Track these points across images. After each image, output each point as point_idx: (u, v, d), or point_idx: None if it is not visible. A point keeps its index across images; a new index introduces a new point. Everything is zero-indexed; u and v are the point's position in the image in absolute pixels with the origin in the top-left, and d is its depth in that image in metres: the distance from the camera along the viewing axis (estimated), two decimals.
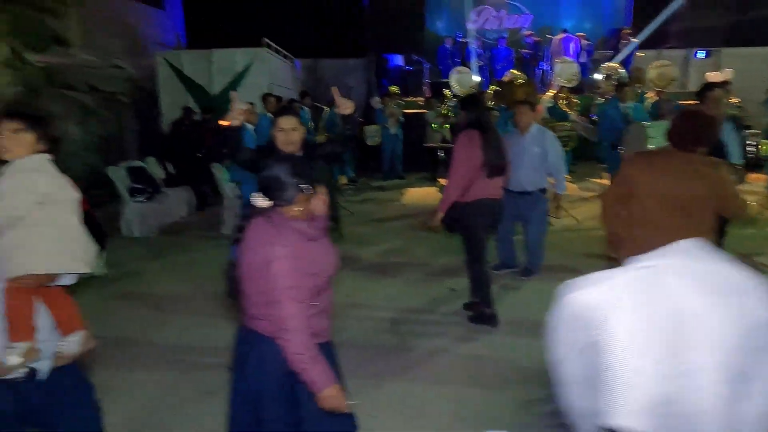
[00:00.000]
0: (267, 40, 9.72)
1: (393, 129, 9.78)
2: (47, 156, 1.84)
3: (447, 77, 11.59)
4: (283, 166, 1.79)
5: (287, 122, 2.79)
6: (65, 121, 5.83)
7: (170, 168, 7.67)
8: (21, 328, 1.71)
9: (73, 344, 1.87)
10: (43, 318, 1.79)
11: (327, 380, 1.74)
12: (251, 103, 6.41)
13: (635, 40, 11.49)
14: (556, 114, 7.84)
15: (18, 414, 1.77)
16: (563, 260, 5.10)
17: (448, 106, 9.16)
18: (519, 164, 4.32)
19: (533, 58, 12.47)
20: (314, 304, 1.82)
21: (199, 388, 3.11)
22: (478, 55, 12.69)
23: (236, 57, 9.30)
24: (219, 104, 9.19)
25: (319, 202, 1.86)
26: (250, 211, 1.82)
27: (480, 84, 11.36)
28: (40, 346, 1.74)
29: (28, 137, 1.79)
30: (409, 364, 3.34)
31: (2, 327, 1.69)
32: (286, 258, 1.71)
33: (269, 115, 6.86)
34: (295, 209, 1.79)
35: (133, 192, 6.36)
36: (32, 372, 1.76)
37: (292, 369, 1.74)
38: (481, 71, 12.36)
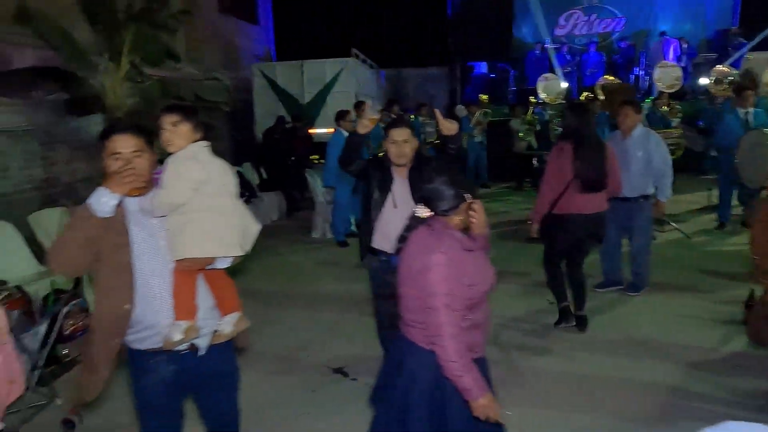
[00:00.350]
0: (355, 50, 9.96)
1: (478, 137, 9.65)
2: (203, 143, 1.92)
3: (533, 84, 11.31)
4: (443, 177, 1.85)
5: (400, 134, 2.74)
6: None
7: (263, 173, 8.03)
8: (184, 308, 1.83)
9: (229, 324, 1.97)
10: (204, 298, 1.89)
11: (481, 388, 1.74)
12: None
13: (744, 41, 10.62)
14: (655, 121, 7.38)
15: (178, 384, 1.92)
16: (672, 276, 4.76)
17: (534, 113, 8.92)
18: (621, 169, 4.10)
19: (627, 63, 11.87)
20: (468, 317, 1.81)
21: (303, 386, 3.19)
22: (566, 62, 12.28)
23: (326, 67, 9.60)
24: (309, 113, 9.55)
25: (480, 216, 1.88)
26: (412, 222, 1.93)
27: (568, 91, 10.99)
28: (200, 324, 1.85)
29: (186, 128, 1.88)
30: (513, 383, 3.16)
31: (169, 305, 1.82)
32: (444, 265, 1.74)
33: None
34: (455, 219, 1.84)
35: None
36: (193, 347, 1.89)
37: (445, 378, 1.76)
38: (568, 78, 11.95)
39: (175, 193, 1.80)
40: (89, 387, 1.91)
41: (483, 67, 12.83)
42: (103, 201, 1.72)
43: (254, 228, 2.01)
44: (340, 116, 6.41)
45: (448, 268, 1.74)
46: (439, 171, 1.87)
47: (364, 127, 2.73)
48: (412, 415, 1.81)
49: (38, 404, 2.84)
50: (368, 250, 2.93)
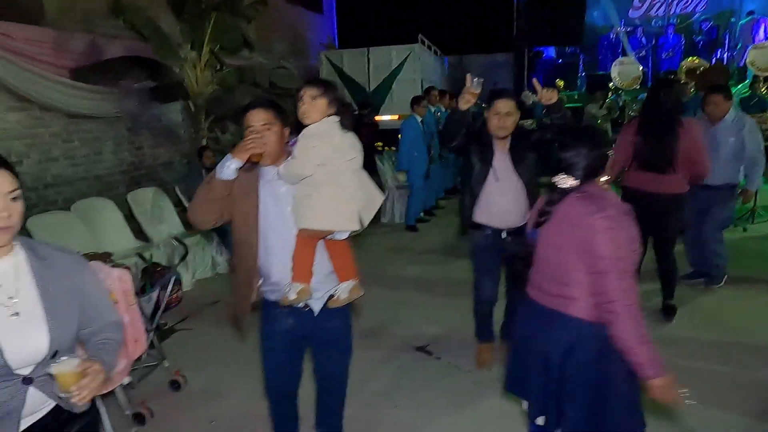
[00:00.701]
0: (422, 36, 9.90)
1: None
2: (335, 118, 1.97)
3: (605, 70, 10.87)
4: (580, 140, 1.78)
5: (505, 105, 2.69)
6: None
7: None
8: (300, 272, 1.96)
9: (344, 291, 2.05)
10: (322, 264, 2.01)
11: (658, 366, 1.61)
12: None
13: None
14: (752, 105, 6.91)
15: (295, 337, 2.10)
16: (764, 272, 4.48)
17: (611, 99, 8.56)
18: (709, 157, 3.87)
19: (709, 45, 11.16)
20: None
21: (390, 362, 3.26)
22: (641, 45, 11.70)
23: (392, 54, 9.61)
24: (374, 100, 9.62)
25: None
26: (553, 195, 1.83)
27: (643, 75, 10.49)
28: (315, 288, 2.00)
29: (322, 102, 1.93)
30: None
31: (289, 267, 1.98)
32: (613, 228, 1.65)
33: (432, 108, 7.00)
34: (603, 179, 1.79)
35: None
36: (307, 307, 2.04)
37: (609, 353, 1.67)
38: (642, 62, 11.39)
39: (302, 165, 1.89)
40: (237, 320, 2.15)
41: (551, 53, 12.43)
42: (225, 165, 1.86)
43: (378, 199, 2.07)
44: (415, 101, 6.43)
45: (617, 231, 1.65)
46: (573, 136, 1.80)
47: (466, 101, 2.67)
48: (571, 391, 1.75)
49: (150, 365, 3.07)
50: (471, 226, 2.92)
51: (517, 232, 2.73)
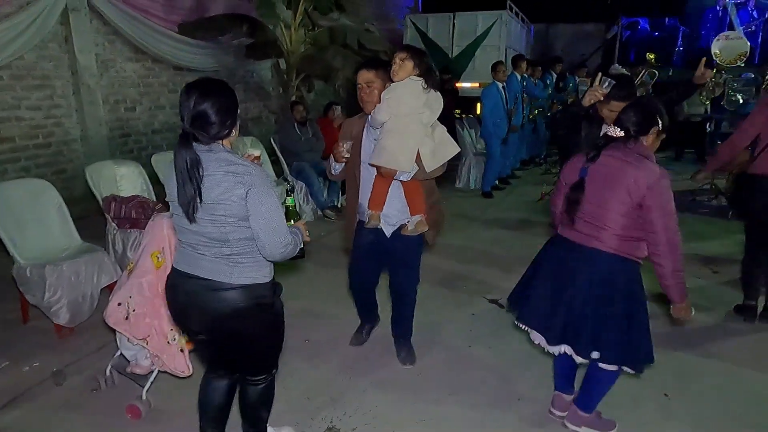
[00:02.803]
0: (510, 2, 9.69)
1: None
2: (417, 79, 2.36)
3: (707, 45, 10.15)
4: (639, 101, 2.16)
5: (619, 107, 2.58)
6: (343, 71, 6.73)
7: None
8: (373, 201, 2.53)
9: (412, 223, 2.56)
10: (396, 197, 2.53)
11: (684, 291, 2.05)
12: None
13: None
14: None
15: (374, 249, 2.68)
16: None
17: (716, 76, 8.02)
18: None
19: None
20: None
21: (465, 309, 3.49)
22: (752, 19, 10.79)
23: (478, 19, 9.48)
24: (456, 66, 9.59)
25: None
26: (601, 141, 2.12)
27: (749, 52, 9.70)
28: (386, 214, 2.55)
29: (409, 64, 2.35)
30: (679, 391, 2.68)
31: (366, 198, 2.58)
32: (667, 178, 1.95)
33: (518, 76, 6.95)
34: (646, 141, 2.05)
35: None
36: (380, 230, 2.60)
37: (639, 280, 2.08)
38: (751, 38, 10.52)
39: (378, 112, 2.37)
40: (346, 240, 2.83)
41: (645, 24, 11.73)
42: (333, 166, 2.54)
43: (450, 150, 2.49)
44: (495, 67, 6.43)
45: (669, 182, 1.96)
46: (639, 98, 2.11)
47: (591, 100, 2.67)
48: (608, 315, 2.03)
49: None
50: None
51: None
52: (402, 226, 2.58)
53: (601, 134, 2.29)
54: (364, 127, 2.54)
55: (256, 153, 2.08)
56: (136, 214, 3.59)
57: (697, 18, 11.06)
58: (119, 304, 2.28)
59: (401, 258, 2.66)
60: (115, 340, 2.48)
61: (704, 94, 8.06)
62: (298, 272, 4.01)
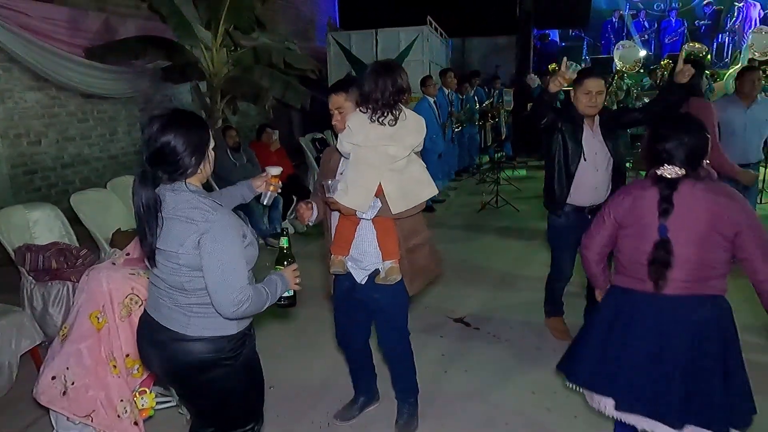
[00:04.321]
0: (429, 18, 9.89)
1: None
2: (361, 113, 2.07)
3: (608, 53, 10.95)
4: (683, 129, 1.78)
5: (596, 84, 2.71)
6: (271, 91, 6.48)
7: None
8: (337, 244, 2.19)
9: (382, 270, 2.16)
10: (365, 238, 2.15)
11: None
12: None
13: None
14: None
15: (353, 299, 2.29)
16: None
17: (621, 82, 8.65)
18: None
19: (712, 29, 11.27)
20: None
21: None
22: (644, 29, 11.79)
23: (400, 36, 9.58)
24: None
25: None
26: (662, 186, 1.79)
27: (645, 58, 10.58)
28: (355, 258, 2.17)
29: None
30: None
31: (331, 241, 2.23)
32: (745, 204, 1.75)
33: (446, 90, 7.04)
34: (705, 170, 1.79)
35: (318, 161, 6.95)
36: (350, 275, 2.23)
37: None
38: (646, 46, 11.50)
39: (340, 144, 2.08)
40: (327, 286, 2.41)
41: (554, 36, 12.45)
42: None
43: (425, 192, 2.15)
44: (424, 82, 6.47)
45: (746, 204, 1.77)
46: (673, 126, 1.80)
47: (558, 85, 2.65)
48: (718, 372, 1.73)
49: None
50: (560, 205, 2.95)
51: (598, 209, 2.65)
52: (376, 273, 2.19)
53: (655, 174, 1.84)
54: (340, 159, 2.21)
55: (274, 172, 1.98)
56: (57, 264, 3.16)
57: (598, 29, 11.89)
58: (53, 378, 1.95)
59: (381, 310, 2.27)
60: (49, 419, 2.11)
61: (608, 98, 8.63)
62: None
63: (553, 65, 10.55)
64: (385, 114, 2.02)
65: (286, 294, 1.73)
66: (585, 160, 2.81)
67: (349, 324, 2.39)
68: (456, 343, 3.26)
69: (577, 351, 1.95)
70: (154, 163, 1.52)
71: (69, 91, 5.99)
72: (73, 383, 1.91)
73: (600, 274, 2.04)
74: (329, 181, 2.02)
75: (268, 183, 2.05)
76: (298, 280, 1.77)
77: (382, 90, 2.00)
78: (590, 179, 2.84)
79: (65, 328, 2.02)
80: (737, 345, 1.77)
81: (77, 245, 3.42)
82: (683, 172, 1.75)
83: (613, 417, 1.87)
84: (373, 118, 2.03)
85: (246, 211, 5.01)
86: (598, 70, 2.70)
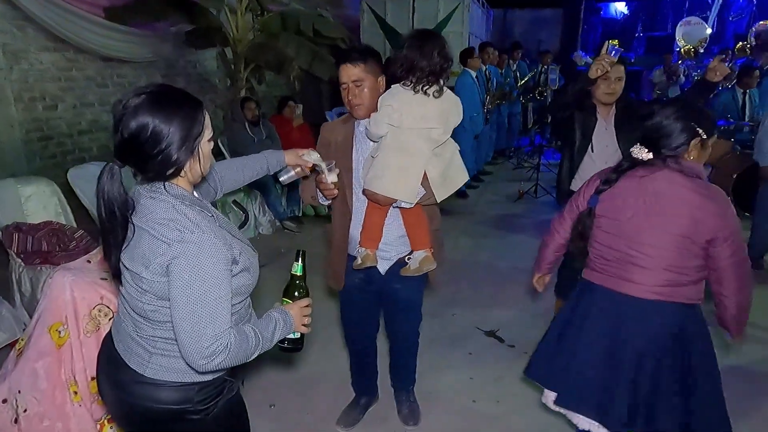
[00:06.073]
0: None
1: None
2: (405, 88, 1.82)
3: (666, 30, 10.08)
4: (668, 110, 1.64)
5: (616, 70, 2.51)
6: (297, 61, 6.06)
7: None
8: (367, 236, 1.96)
9: (414, 261, 1.99)
10: (393, 227, 1.97)
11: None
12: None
13: None
14: None
15: (368, 291, 2.12)
16: None
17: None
18: None
19: None
20: None
21: (459, 347, 2.99)
22: (707, 5, 10.79)
23: (439, 4, 8.96)
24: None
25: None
26: (623, 165, 1.73)
27: (708, 38, 9.68)
28: (381, 251, 1.99)
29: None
30: None
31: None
32: (727, 206, 1.59)
33: (484, 66, 6.49)
34: (693, 155, 1.63)
35: None
36: (374, 269, 2.03)
37: (724, 322, 1.71)
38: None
39: (376, 125, 1.81)
40: (336, 279, 2.14)
41: (608, 11, 11.55)
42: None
43: (459, 179, 1.98)
44: (467, 55, 5.94)
45: (729, 207, 1.61)
46: (667, 103, 1.69)
47: (599, 70, 2.36)
48: (651, 360, 1.64)
49: None
50: (568, 195, 2.72)
51: None
52: (399, 261, 2.02)
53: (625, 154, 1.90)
54: (352, 135, 1.97)
55: (311, 160, 1.74)
56: (48, 246, 2.87)
57: (653, 4, 10.95)
58: (4, 401, 1.63)
59: (400, 300, 2.13)
60: None
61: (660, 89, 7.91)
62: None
63: (615, 41, 9.74)
64: (431, 84, 1.80)
65: (290, 336, 1.34)
66: (593, 151, 2.63)
67: (362, 319, 2.25)
68: (487, 363, 2.85)
69: (538, 344, 1.91)
70: (123, 156, 1.16)
71: (87, 53, 5.69)
72: (25, 410, 1.60)
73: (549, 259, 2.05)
74: (327, 163, 1.79)
75: (302, 167, 1.77)
76: (308, 320, 1.37)
77: (429, 57, 1.78)
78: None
79: (22, 340, 1.69)
80: (709, 361, 1.66)
81: (74, 225, 3.13)
82: (649, 155, 1.65)
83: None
84: (417, 88, 1.80)
85: (262, 189, 4.66)
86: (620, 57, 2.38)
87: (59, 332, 1.62)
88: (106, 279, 1.74)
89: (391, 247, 2.00)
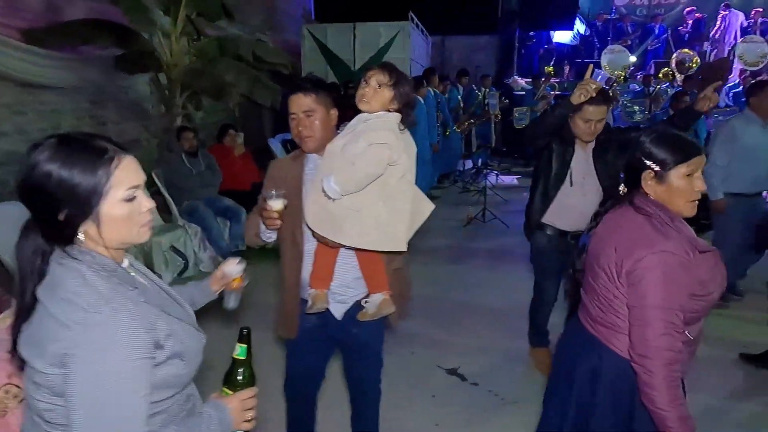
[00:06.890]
0: (412, 14, 9.36)
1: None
2: (397, 117, 1.72)
3: (592, 58, 10.65)
4: (649, 137, 1.49)
5: (597, 113, 2.44)
6: (237, 87, 5.84)
7: None
8: (318, 276, 1.82)
9: (372, 305, 1.85)
10: (347, 268, 1.83)
11: (687, 428, 1.38)
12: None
13: None
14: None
15: (321, 338, 1.97)
16: None
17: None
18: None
19: (695, 38, 11.07)
20: (683, 333, 1.43)
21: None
22: (627, 34, 11.55)
23: (380, 31, 9.03)
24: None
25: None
26: (606, 203, 1.66)
27: (633, 65, 10.32)
28: (335, 291, 1.84)
29: (387, 95, 1.70)
30: None
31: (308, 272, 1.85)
32: (669, 270, 1.37)
33: (432, 90, 6.53)
34: (654, 192, 1.48)
35: None
36: (328, 313, 1.87)
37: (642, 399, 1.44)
38: (629, 51, 11.23)
39: (378, 166, 1.62)
40: (287, 325, 1.97)
41: (542, 38, 12.06)
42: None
43: (426, 210, 1.81)
44: (420, 83, 5.95)
45: (674, 275, 1.37)
46: (649, 130, 1.56)
47: (581, 96, 2.30)
48: (596, 416, 1.56)
49: None
50: (537, 227, 2.73)
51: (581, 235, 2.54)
52: (357, 305, 1.87)
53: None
54: (302, 173, 1.83)
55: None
56: None
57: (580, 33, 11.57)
58: None
59: (359, 345, 1.97)
60: None
61: None
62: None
63: (551, 68, 10.12)
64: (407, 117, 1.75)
65: None
66: (571, 185, 2.58)
67: (309, 369, 2.05)
68: (452, 405, 2.71)
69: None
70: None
71: (3, 79, 5.21)
72: None
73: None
74: (272, 192, 1.67)
75: (229, 284, 1.49)
76: (250, 415, 1.15)
77: (409, 92, 1.77)
78: (577, 204, 2.57)
79: None
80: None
81: None
82: (623, 190, 1.57)
83: None
84: (401, 127, 1.71)
85: (203, 225, 4.37)
86: (602, 95, 2.32)
87: None
88: None
89: (347, 290, 1.86)
